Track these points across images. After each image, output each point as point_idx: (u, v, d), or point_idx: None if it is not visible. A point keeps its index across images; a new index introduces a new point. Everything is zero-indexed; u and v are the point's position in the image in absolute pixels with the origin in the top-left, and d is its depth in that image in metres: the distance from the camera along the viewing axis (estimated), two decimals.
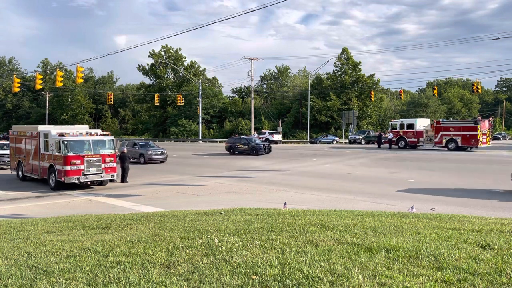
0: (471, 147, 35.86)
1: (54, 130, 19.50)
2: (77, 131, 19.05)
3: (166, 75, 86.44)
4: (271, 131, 60.25)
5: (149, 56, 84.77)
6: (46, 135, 19.50)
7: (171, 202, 14.76)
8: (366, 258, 5.04)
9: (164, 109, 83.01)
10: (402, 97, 56.70)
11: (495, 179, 18.81)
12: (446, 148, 36.36)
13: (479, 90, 49.00)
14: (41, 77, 33.14)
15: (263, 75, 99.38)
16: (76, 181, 18.22)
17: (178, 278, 4.49)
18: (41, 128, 20.69)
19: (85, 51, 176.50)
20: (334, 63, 70.68)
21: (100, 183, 19.69)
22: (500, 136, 66.79)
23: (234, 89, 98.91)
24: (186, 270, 4.74)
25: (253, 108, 65.85)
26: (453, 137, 35.98)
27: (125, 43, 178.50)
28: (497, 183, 17.54)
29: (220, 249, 5.56)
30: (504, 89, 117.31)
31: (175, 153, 41.14)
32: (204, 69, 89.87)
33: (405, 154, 33.16)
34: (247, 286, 4.21)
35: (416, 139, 39.60)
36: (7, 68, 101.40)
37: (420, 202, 12.96)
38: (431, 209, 11.62)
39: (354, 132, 56.05)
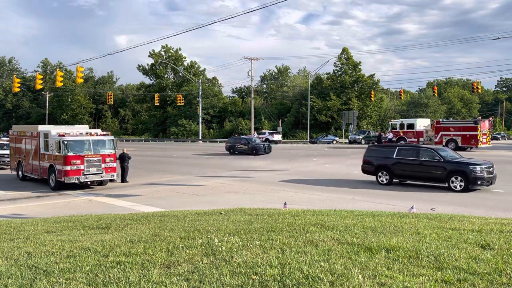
0: (471, 147, 35.86)
1: (54, 130, 19.49)
2: (77, 131, 19.05)
3: (166, 75, 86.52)
4: (271, 131, 60.27)
5: (149, 56, 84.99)
6: (46, 135, 19.50)
7: (171, 202, 14.77)
8: (366, 258, 5.04)
9: (164, 109, 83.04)
10: (402, 97, 56.73)
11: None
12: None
13: (479, 90, 49.03)
14: (41, 77, 33.14)
15: (263, 75, 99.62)
16: (76, 181, 18.22)
17: (178, 278, 4.49)
18: (41, 128, 20.68)
19: (85, 51, 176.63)
20: (334, 63, 70.85)
21: (100, 183, 19.68)
22: (499, 136, 66.79)
23: (234, 89, 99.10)
24: (186, 270, 4.74)
25: (253, 108, 65.86)
26: (453, 137, 35.98)
27: (126, 43, 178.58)
28: (497, 183, 17.52)
29: (220, 249, 5.56)
30: (504, 89, 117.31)
31: (175, 153, 41.16)
32: (204, 69, 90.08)
33: None
34: (247, 286, 4.21)
35: (416, 139, 39.58)
36: (7, 68, 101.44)
37: (420, 202, 12.97)
38: (431, 209, 11.62)
39: (354, 132, 56.04)
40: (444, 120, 45.74)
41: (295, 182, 19.08)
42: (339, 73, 70.47)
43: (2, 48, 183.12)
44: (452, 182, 15.60)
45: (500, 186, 16.62)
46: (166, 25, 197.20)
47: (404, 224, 7.47)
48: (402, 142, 40.15)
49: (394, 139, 40.84)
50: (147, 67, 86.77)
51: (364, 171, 18.68)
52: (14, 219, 11.51)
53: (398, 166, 17.16)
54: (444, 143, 36.54)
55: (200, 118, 72.46)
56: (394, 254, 5.18)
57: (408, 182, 17.57)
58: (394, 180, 17.55)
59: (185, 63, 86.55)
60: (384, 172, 17.59)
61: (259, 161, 30.33)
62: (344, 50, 70.45)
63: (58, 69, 48.83)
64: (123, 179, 20.65)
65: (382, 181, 17.63)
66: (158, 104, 71.23)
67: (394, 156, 17.32)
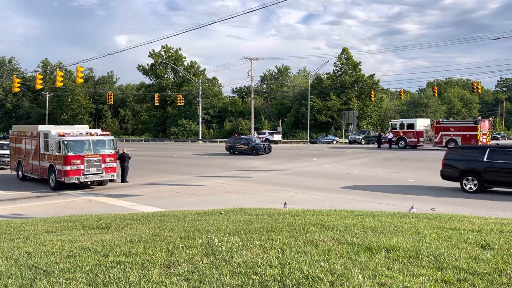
0: None
1: (54, 130, 19.49)
2: (77, 131, 19.06)
3: (166, 75, 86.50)
4: (271, 131, 60.27)
5: (149, 56, 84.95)
6: (46, 135, 19.50)
7: (171, 202, 14.76)
8: (366, 258, 5.04)
9: (164, 109, 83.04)
10: (402, 97, 56.72)
11: None
12: (446, 148, 36.29)
13: (479, 90, 49.02)
14: (41, 77, 33.13)
15: (263, 75, 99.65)
16: (76, 181, 18.22)
17: (178, 278, 4.49)
18: (41, 128, 20.68)
19: (85, 51, 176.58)
20: (334, 63, 70.82)
21: (100, 183, 19.68)
22: (499, 136, 66.80)
23: (234, 89, 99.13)
24: (186, 270, 4.74)
25: (253, 108, 65.85)
26: (453, 137, 35.98)
27: (126, 43, 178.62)
28: None
29: (220, 249, 5.56)
30: (504, 89, 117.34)
31: (175, 153, 41.16)
32: (204, 69, 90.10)
33: (405, 154, 33.16)
34: (247, 286, 4.21)
35: (416, 139, 39.59)
36: (7, 68, 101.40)
37: (420, 202, 12.96)
38: (431, 209, 11.62)
39: (354, 132, 56.05)
40: (444, 120, 45.73)
41: (295, 182, 19.08)
42: (339, 73, 70.46)
43: (2, 48, 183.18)
44: None
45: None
46: (166, 25, 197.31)
47: (404, 224, 7.46)
48: (402, 142, 40.25)
49: (394, 139, 40.87)
50: (147, 67, 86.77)
51: (445, 176, 16.25)
52: (14, 219, 11.51)
53: (490, 171, 14.80)
54: (444, 143, 36.58)
55: (200, 118, 72.45)
56: (394, 254, 5.18)
57: (496, 189, 15.34)
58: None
59: (185, 63, 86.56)
60: (472, 178, 15.17)
61: (259, 161, 30.34)
62: (344, 50, 70.46)
63: (58, 69, 48.87)
64: (123, 179, 20.65)
65: (468, 188, 15.19)
66: (158, 104, 71.22)
67: (485, 159, 14.90)
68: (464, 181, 15.46)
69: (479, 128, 34.82)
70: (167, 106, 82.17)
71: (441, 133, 36.84)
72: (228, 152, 38.11)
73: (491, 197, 14.33)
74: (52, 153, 18.78)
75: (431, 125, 39.20)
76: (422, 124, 40.16)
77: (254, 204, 12.32)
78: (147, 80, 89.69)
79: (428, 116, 66.97)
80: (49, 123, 78.99)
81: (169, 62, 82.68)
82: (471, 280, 4.25)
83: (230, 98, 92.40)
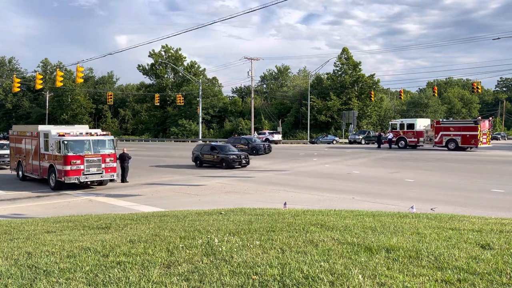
0: (471, 147, 35.87)
1: (54, 130, 19.49)
2: (77, 131, 19.06)
3: (166, 75, 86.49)
4: (271, 131, 60.25)
5: (149, 56, 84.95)
6: (46, 135, 19.50)
7: (171, 202, 14.76)
8: (366, 258, 5.04)
9: (164, 109, 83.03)
10: (402, 97, 56.70)
11: (495, 179, 18.82)
12: (446, 148, 36.37)
13: (479, 90, 49.01)
14: (41, 77, 33.13)
15: (263, 75, 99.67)
16: (76, 181, 18.22)
17: (178, 278, 4.49)
18: (41, 128, 20.68)
19: (85, 51, 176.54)
20: (334, 63, 70.81)
21: (100, 183, 19.68)
22: (499, 136, 66.79)
23: (234, 89, 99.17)
24: (186, 270, 4.74)
25: (253, 108, 65.82)
26: (453, 137, 35.98)
27: (126, 43, 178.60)
28: (497, 183, 17.54)
29: (220, 249, 5.56)
30: (504, 89, 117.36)
31: (176, 153, 41.13)
32: (204, 69, 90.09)
33: (405, 154, 33.16)
34: (247, 286, 4.21)
35: (416, 139, 39.59)
36: (7, 68, 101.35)
37: (420, 202, 12.96)
38: (431, 209, 11.61)
39: (354, 132, 56.03)
40: (444, 120, 45.72)
41: (295, 182, 19.07)
42: (339, 73, 70.45)
43: (2, 48, 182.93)
44: None
45: (500, 186, 16.61)
46: (166, 25, 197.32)
47: (404, 224, 7.46)
48: (402, 142, 40.25)
49: (394, 139, 40.86)
50: (147, 67, 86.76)
51: None
52: (14, 219, 11.51)
53: None
54: (444, 143, 36.59)
55: (200, 118, 72.41)
56: (394, 254, 5.18)
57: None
58: None
59: (185, 63, 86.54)
60: None
61: (259, 161, 30.32)
62: (344, 50, 70.45)
63: (58, 69, 48.92)
64: (123, 179, 20.64)
65: None
66: (158, 104, 71.21)
67: None
68: None
69: (479, 128, 34.81)
70: (167, 106, 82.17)
71: (441, 133, 36.83)
72: None
73: (491, 197, 14.34)
74: (52, 153, 18.78)
75: (431, 125, 39.19)
76: (422, 124, 40.14)
77: (254, 204, 12.32)
78: (147, 80, 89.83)
79: (428, 116, 66.98)
80: (49, 123, 78.96)
81: (169, 62, 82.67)
82: (471, 280, 4.24)
83: (230, 98, 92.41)
